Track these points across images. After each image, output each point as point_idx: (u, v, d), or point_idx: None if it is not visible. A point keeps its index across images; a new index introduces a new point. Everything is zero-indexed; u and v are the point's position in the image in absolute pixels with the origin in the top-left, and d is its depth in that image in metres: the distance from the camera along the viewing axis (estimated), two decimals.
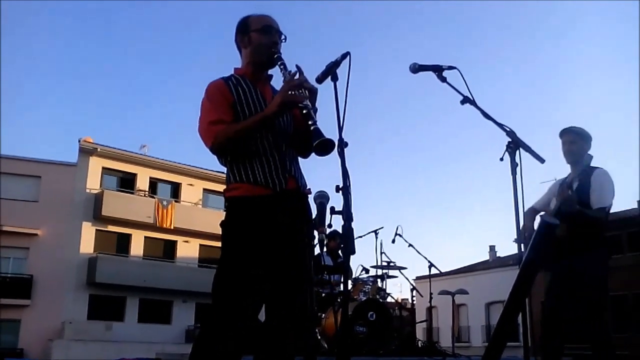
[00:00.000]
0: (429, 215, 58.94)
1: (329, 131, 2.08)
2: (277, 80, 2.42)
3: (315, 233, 2.49)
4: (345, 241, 1.89)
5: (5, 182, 23.64)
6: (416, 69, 2.73)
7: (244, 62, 2.44)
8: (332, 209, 1.98)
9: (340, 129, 2.04)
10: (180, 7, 47.39)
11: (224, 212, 2.29)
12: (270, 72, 2.46)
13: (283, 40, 2.41)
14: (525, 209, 4.10)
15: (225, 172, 2.32)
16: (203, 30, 47.35)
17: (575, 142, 3.89)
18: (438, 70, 2.69)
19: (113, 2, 43.52)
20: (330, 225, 2.33)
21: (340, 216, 1.93)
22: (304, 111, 2.13)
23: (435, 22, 54.38)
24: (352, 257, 1.92)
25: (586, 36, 51.31)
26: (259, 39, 2.38)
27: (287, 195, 2.23)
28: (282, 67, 2.32)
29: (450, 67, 2.68)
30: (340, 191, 1.93)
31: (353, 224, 1.89)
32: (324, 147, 2.02)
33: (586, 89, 53.00)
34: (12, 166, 24.01)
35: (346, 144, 2.01)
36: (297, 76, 2.21)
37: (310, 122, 2.08)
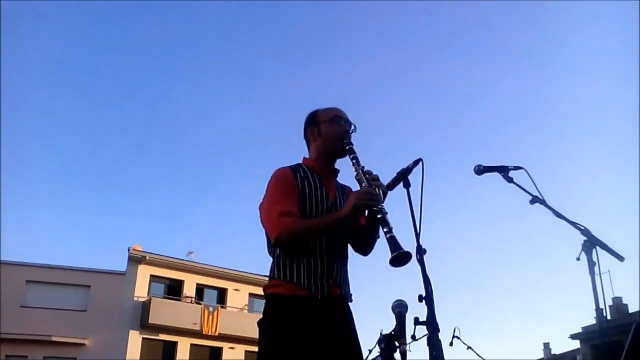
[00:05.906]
0: (486, 314, 56.14)
1: (403, 238, 2.04)
2: (344, 173, 2.42)
3: (397, 344, 2.37)
4: (432, 353, 1.80)
5: (56, 292, 24.08)
6: (480, 170, 2.70)
7: (313, 156, 2.43)
8: (417, 319, 1.90)
9: (418, 235, 2.00)
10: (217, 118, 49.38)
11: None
12: (337, 166, 2.45)
13: (353, 131, 2.42)
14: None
15: (270, 265, 2.27)
16: (247, 133, 48.82)
17: None
18: (504, 171, 2.66)
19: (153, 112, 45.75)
20: (413, 337, 2.23)
21: (425, 327, 1.85)
22: (379, 215, 2.10)
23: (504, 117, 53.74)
24: None
25: None
26: (329, 128, 2.39)
27: (328, 301, 2.17)
28: (354, 160, 2.30)
29: (517, 167, 2.66)
30: (424, 300, 1.86)
31: (440, 335, 1.81)
32: (401, 260, 1.97)
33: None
34: (62, 276, 24.53)
35: (425, 251, 1.96)
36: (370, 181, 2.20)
37: (385, 230, 2.05)
